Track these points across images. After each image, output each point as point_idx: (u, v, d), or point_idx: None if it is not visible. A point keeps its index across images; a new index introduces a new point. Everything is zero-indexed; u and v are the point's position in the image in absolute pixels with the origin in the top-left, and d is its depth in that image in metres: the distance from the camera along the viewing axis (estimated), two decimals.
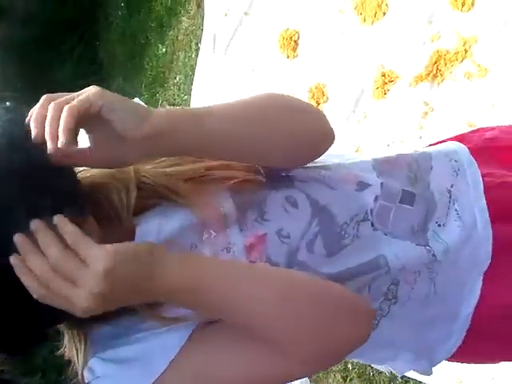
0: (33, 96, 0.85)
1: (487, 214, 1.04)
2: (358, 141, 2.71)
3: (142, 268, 0.75)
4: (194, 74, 3.75)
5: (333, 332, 0.85)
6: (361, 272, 0.95)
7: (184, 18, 3.94)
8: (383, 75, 2.66)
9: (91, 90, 0.79)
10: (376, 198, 1.01)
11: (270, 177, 0.98)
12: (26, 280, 0.72)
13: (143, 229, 0.90)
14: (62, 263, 0.71)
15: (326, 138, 1.00)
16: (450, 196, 1.05)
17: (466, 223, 1.03)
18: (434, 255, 0.99)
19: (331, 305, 0.86)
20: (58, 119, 0.76)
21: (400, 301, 0.99)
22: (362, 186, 1.01)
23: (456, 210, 1.03)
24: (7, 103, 0.86)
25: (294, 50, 3.11)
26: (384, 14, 2.71)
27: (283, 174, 1.00)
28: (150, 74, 4.26)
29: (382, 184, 1.02)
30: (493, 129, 1.20)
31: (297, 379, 0.90)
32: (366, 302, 0.93)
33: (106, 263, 0.71)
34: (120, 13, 4.67)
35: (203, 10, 3.72)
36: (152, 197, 0.93)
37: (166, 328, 0.86)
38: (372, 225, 0.99)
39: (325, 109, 2.89)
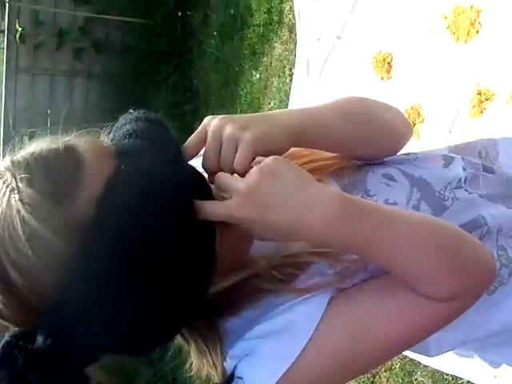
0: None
1: None
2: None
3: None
4: (288, 99, 3.84)
5: (466, 268, 0.89)
6: (465, 230, 0.98)
7: (277, 44, 4.04)
8: (479, 93, 2.65)
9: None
10: (464, 169, 1.12)
11: (364, 161, 1.10)
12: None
13: None
14: None
15: (408, 129, 1.16)
16: None
17: None
18: None
19: (466, 246, 0.91)
20: (233, 156, 0.85)
21: None
22: (448, 160, 1.13)
23: None
24: (150, 114, 0.94)
25: (388, 71, 3.15)
26: (477, 32, 2.71)
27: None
28: (244, 101, 4.38)
29: (462, 158, 1.15)
30: None
31: (448, 318, 0.92)
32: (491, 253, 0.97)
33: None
34: (213, 41, 4.83)
35: (295, 35, 3.82)
36: None
37: (301, 298, 0.90)
38: (466, 190, 1.09)
39: (421, 129, 2.91)
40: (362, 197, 1.04)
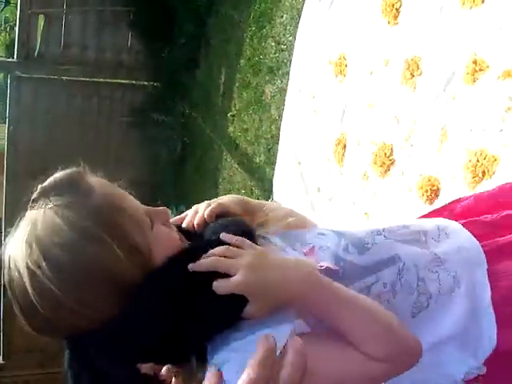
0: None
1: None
2: (445, 120, 2.89)
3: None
4: (299, 18, 3.91)
5: (399, 339, 1.17)
6: (384, 265, 1.31)
7: None
8: (474, 62, 2.77)
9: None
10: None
11: None
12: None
13: None
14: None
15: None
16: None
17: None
18: (436, 254, 1.38)
19: (395, 323, 1.18)
20: None
21: (434, 295, 1.34)
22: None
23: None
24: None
25: (395, 17, 3.23)
26: (483, 1, 2.78)
27: None
28: (258, 8, 4.43)
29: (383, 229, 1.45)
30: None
31: (382, 375, 1.17)
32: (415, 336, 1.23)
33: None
34: None
35: None
36: None
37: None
38: (384, 236, 1.39)
39: (418, 82, 3.06)
40: (302, 244, 1.33)
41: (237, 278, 1.06)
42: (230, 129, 5.00)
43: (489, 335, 1.34)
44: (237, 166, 4.91)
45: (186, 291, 1.04)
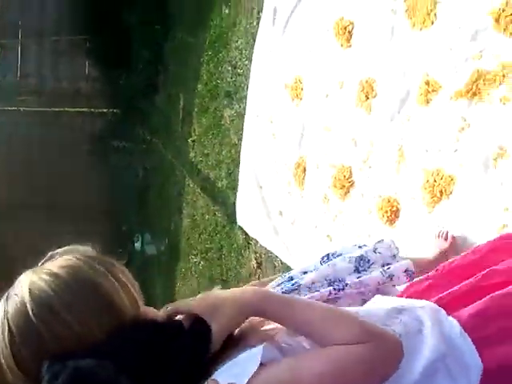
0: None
1: None
2: (401, 142, 2.89)
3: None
4: (254, 42, 3.92)
5: (359, 321, 1.21)
6: None
7: None
8: (427, 83, 2.78)
9: None
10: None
11: None
12: None
13: None
14: None
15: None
16: None
17: None
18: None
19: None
20: None
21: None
22: None
23: None
24: None
25: (348, 40, 3.25)
26: (432, 22, 2.80)
27: None
28: (213, 33, 4.43)
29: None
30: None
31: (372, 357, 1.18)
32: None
33: None
34: None
35: None
36: None
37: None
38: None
39: (373, 104, 3.06)
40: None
41: (192, 302, 1.18)
42: (191, 154, 4.97)
43: (472, 359, 1.34)
44: (199, 191, 4.89)
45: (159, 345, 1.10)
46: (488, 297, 1.41)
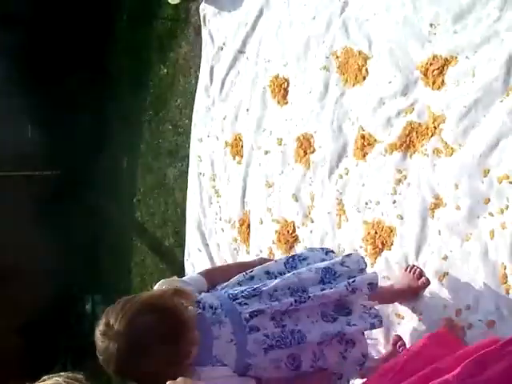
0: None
1: None
2: (340, 196, 2.91)
3: None
4: (193, 100, 3.94)
5: None
6: None
7: (183, 43, 4.10)
8: (362, 137, 2.83)
9: None
10: None
11: None
12: None
13: None
14: None
15: None
16: None
17: None
18: None
19: None
20: None
21: None
22: None
23: None
24: None
25: (284, 97, 3.29)
26: (364, 78, 2.86)
27: None
28: (153, 93, 4.44)
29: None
30: None
31: None
32: None
33: None
34: (124, 25, 4.81)
35: (201, 38, 3.88)
36: None
37: None
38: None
39: (312, 159, 3.09)
40: None
41: None
42: (137, 213, 4.93)
43: None
44: (147, 250, 4.84)
45: None
46: None
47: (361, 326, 2.13)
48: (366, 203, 2.79)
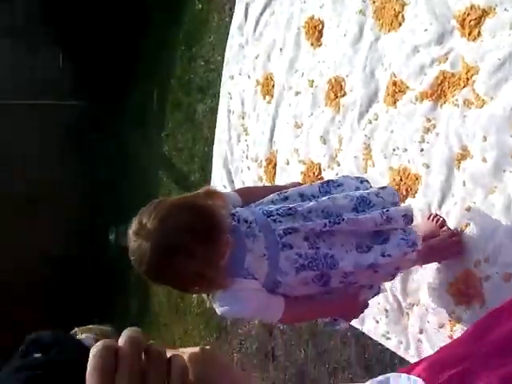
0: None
1: None
2: (368, 140, 2.95)
3: None
4: (227, 38, 3.94)
5: None
6: None
7: None
8: (394, 84, 2.84)
9: None
10: None
11: None
12: None
13: None
14: None
15: None
16: None
17: None
18: None
19: None
20: None
21: None
22: None
23: None
24: None
25: (318, 39, 3.29)
26: (400, 24, 2.85)
27: None
28: (186, 28, 4.44)
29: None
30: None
31: None
32: None
33: None
34: None
35: None
36: None
37: None
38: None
39: (342, 102, 3.11)
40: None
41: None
42: (165, 148, 4.99)
43: None
44: (173, 185, 4.91)
45: None
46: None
47: (395, 257, 2.05)
48: (394, 150, 2.82)
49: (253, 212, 1.98)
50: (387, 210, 2.06)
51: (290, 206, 2.02)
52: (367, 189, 2.21)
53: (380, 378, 1.36)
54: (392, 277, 2.18)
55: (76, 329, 1.14)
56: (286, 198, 2.09)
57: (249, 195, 2.13)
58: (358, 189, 2.20)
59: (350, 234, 2.02)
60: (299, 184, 2.35)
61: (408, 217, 2.10)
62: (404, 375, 1.36)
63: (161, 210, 1.68)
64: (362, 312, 2.22)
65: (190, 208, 1.73)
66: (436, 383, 1.31)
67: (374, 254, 2.01)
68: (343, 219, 1.98)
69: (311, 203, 2.03)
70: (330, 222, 1.96)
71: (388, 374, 1.38)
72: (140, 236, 1.67)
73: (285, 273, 1.92)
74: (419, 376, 1.33)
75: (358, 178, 2.33)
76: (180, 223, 1.68)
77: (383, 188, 2.20)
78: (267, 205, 2.06)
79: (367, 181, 2.30)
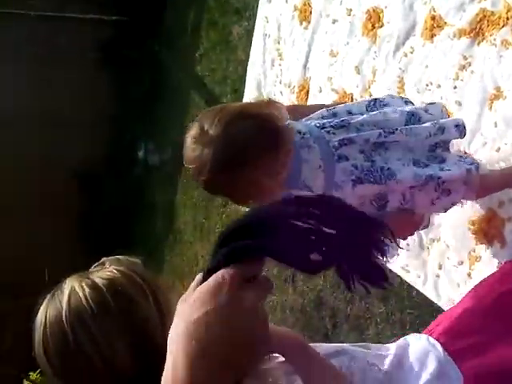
0: None
1: None
2: (402, 74, 2.96)
3: None
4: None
5: None
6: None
7: None
8: (433, 18, 2.83)
9: None
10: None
11: None
12: None
13: None
14: None
15: None
16: None
17: None
18: None
19: None
20: None
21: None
22: None
23: None
24: None
25: None
26: None
27: None
28: None
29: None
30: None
31: None
32: None
33: None
34: None
35: None
36: None
37: None
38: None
39: (378, 33, 3.11)
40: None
41: None
42: (198, 68, 5.01)
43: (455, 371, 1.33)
44: (204, 106, 4.95)
45: None
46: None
47: (455, 171, 1.98)
48: (427, 85, 2.83)
49: (305, 125, 1.93)
50: (438, 121, 2.02)
51: (342, 118, 1.96)
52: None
53: (401, 341, 1.42)
54: (446, 210, 2.12)
55: (104, 258, 1.18)
56: (335, 114, 2.03)
57: (296, 112, 2.06)
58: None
59: (406, 150, 1.98)
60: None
61: (460, 127, 2.06)
62: (424, 337, 1.42)
63: (224, 117, 1.60)
64: (417, 229, 2.18)
65: (255, 116, 1.65)
66: (452, 349, 1.37)
67: (433, 169, 1.96)
68: (397, 129, 1.93)
69: (363, 116, 1.98)
70: (384, 131, 1.91)
71: (408, 336, 1.45)
72: (201, 143, 1.60)
73: (340, 187, 1.85)
74: (438, 340, 1.39)
75: (402, 97, 2.30)
76: (246, 130, 1.62)
77: (432, 103, 2.16)
78: (317, 119, 2.00)
79: (411, 102, 2.26)
